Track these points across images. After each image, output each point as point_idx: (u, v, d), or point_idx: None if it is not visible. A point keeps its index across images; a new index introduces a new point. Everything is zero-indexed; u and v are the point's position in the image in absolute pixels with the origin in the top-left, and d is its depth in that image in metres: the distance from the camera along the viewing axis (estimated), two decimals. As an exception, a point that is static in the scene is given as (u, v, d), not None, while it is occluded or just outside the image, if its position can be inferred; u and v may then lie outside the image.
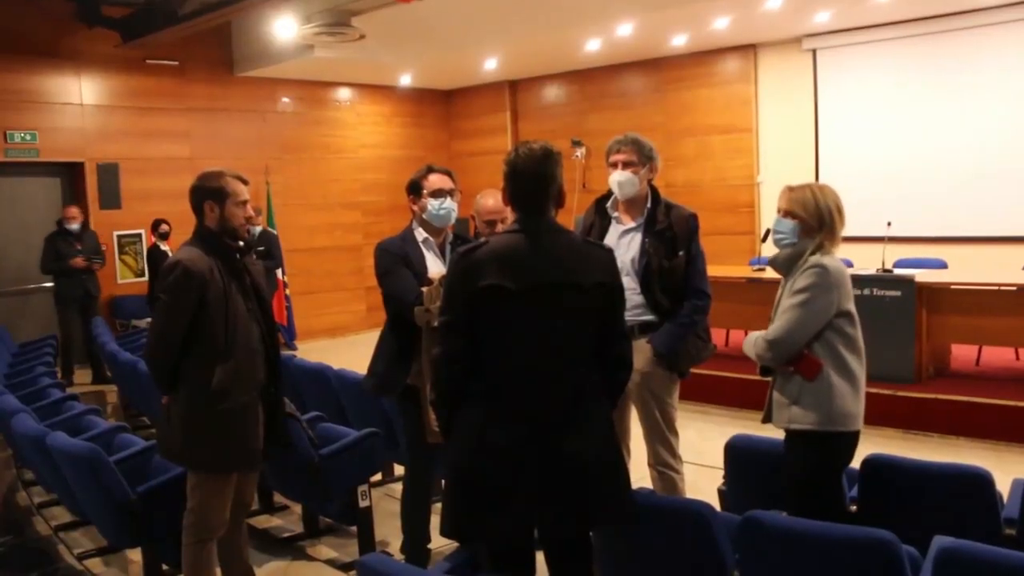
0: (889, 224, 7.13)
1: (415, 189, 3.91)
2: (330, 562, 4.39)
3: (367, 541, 4.37)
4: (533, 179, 2.68)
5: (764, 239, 7.42)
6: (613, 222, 3.92)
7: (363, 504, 4.34)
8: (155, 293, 3.30)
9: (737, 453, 3.61)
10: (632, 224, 3.89)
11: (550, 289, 2.57)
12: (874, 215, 8.45)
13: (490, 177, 12.71)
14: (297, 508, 4.98)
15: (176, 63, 10.24)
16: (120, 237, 9.92)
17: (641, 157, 3.86)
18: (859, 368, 3.20)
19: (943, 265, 7.66)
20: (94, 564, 4.40)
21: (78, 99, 9.61)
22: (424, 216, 3.88)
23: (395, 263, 3.74)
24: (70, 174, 9.78)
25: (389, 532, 4.60)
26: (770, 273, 7.23)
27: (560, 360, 2.62)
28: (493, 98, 12.80)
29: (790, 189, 3.27)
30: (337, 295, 11.72)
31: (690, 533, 2.77)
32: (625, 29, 9.15)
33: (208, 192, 3.33)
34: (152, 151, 10.12)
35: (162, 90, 10.20)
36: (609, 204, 3.95)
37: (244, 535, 3.66)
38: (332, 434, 4.42)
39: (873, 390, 6.23)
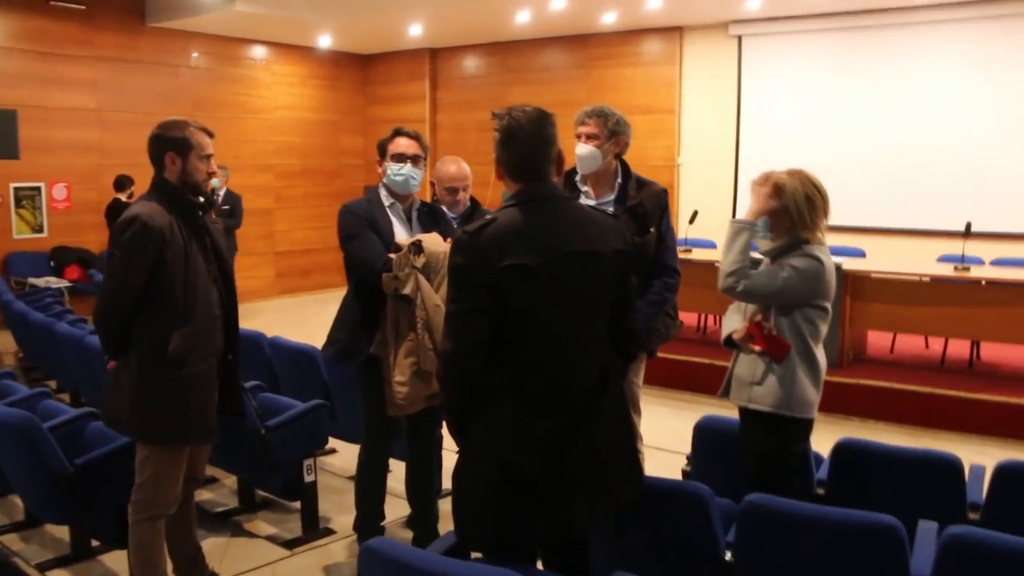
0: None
1: (381, 151, 3.73)
2: (271, 539, 4.18)
3: (311, 517, 4.21)
4: (533, 143, 2.47)
5: (691, 220, 7.53)
6: (582, 196, 3.83)
7: (308, 479, 4.17)
8: (110, 249, 3.03)
9: (706, 435, 3.60)
10: (601, 199, 3.80)
11: (571, 260, 2.40)
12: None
13: None
14: (229, 481, 4.76)
15: (83, 7, 9.63)
16: (17, 189, 9.29)
17: (605, 131, 3.75)
18: (822, 359, 3.23)
19: (862, 254, 7.88)
20: (10, 540, 4.09)
21: (-29, 38, 8.94)
22: (384, 180, 3.71)
23: (361, 227, 3.55)
24: (-39, 119, 9.10)
25: (327, 507, 4.44)
26: (696, 254, 7.37)
27: (586, 338, 2.47)
28: (412, 65, 12.54)
29: (755, 184, 3.26)
30: (245, 259, 11.24)
31: (687, 516, 2.73)
32: (558, 2, 9.05)
33: (170, 142, 3.08)
34: (55, 100, 9.51)
35: (67, 35, 9.57)
36: (578, 177, 3.85)
37: (193, 511, 3.44)
38: (274, 405, 4.22)
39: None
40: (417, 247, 3.48)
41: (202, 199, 3.14)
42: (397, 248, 3.50)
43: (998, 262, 7.42)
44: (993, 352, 7.14)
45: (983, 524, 3.11)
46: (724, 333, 3.37)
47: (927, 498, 3.21)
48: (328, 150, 12.48)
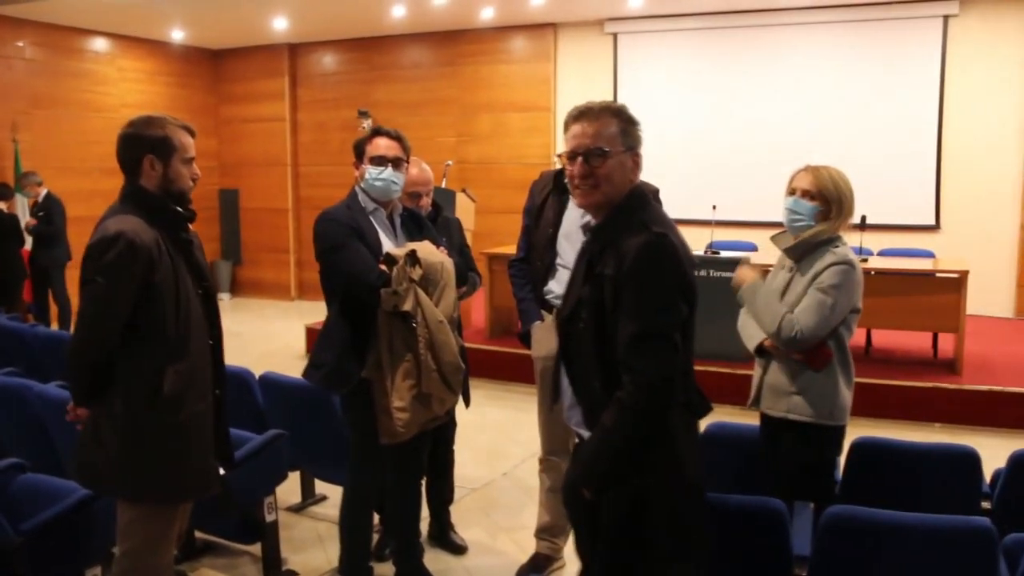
0: (714, 207, 7.39)
1: (358, 153, 3.36)
2: (228, 589, 3.74)
3: (273, 561, 3.77)
4: None
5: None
6: (571, 199, 3.59)
7: (270, 518, 3.74)
8: (85, 275, 2.52)
9: (716, 442, 3.46)
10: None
11: None
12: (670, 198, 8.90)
13: (264, 144, 11.98)
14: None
15: None
16: None
17: None
18: (852, 362, 3.19)
19: (754, 248, 8.05)
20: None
21: None
22: (362, 184, 3.35)
23: (347, 236, 3.17)
24: None
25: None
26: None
27: None
28: (269, 61, 11.85)
29: (814, 170, 3.14)
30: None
31: (759, 532, 2.61)
32: (441, -2, 8.76)
33: (150, 143, 2.60)
34: None
35: None
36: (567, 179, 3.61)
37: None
38: (224, 438, 3.75)
39: (712, 368, 6.50)
40: (413, 257, 3.15)
41: (187, 210, 2.69)
42: (388, 259, 3.16)
43: (885, 252, 7.76)
44: (884, 339, 7.44)
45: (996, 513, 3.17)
46: (751, 341, 3.24)
47: (944, 492, 3.21)
48: (178, 151, 11.59)
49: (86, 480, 2.64)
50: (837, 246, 3.08)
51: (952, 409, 6.15)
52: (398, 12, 9.51)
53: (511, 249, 7.99)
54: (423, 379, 3.15)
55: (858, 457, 3.28)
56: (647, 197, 2.32)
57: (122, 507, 2.62)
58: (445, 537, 4.12)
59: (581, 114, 2.31)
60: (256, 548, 3.87)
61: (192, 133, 2.70)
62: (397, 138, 3.36)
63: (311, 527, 4.39)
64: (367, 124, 11.17)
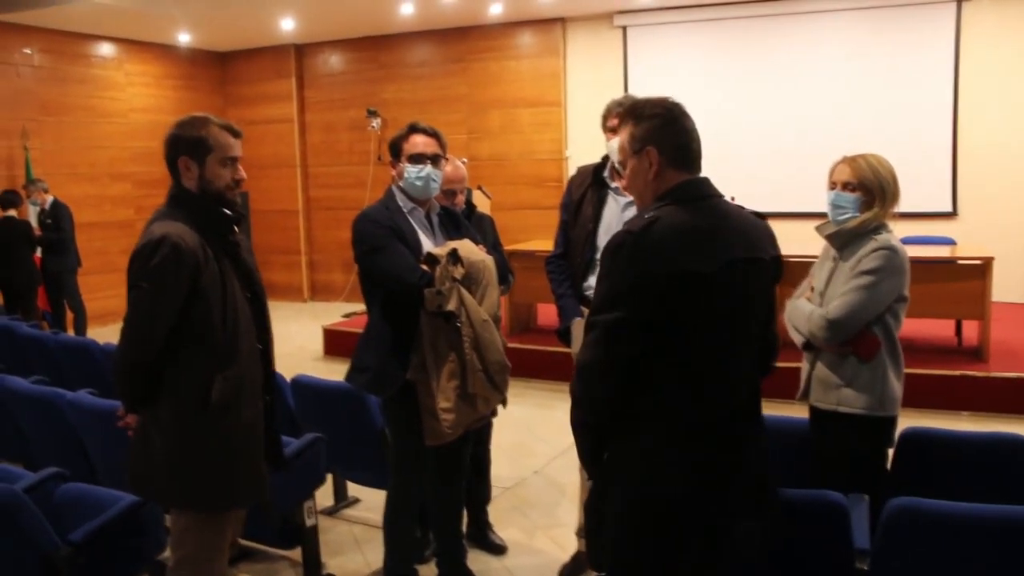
0: (733, 198, 7.31)
1: (395, 151, 3.32)
2: (269, 595, 3.70)
3: (314, 567, 3.73)
4: (693, 128, 2.24)
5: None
6: (611, 194, 3.56)
7: (310, 522, 3.69)
8: (131, 281, 2.48)
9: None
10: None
11: (741, 267, 2.13)
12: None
13: (273, 146, 11.93)
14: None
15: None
16: None
17: None
18: (901, 352, 3.13)
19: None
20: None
21: None
22: (401, 183, 3.30)
23: (387, 237, 3.13)
24: None
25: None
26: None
27: (745, 354, 2.22)
28: (276, 62, 11.80)
29: (851, 161, 3.08)
30: (107, 277, 10.19)
31: (820, 526, 2.55)
32: (452, -7, 8.72)
33: (186, 144, 2.58)
34: None
35: None
36: (607, 173, 3.58)
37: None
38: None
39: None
40: (455, 256, 3.11)
41: (230, 211, 2.65)
42: (430, 259, 3.11)
43: (906, 240, 7.67)
44: (906, 327, 7.35)
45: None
46: (796, 335, 3.19)
47: (995, 483, 3.16)
48: (187, 155, 11.56)
49: (138, 488, 2.61)
50: (880, 233, 3.02)
51: (981, 397, 6.10)
52: (406, 10, 9.46)
53: (526, 245, 8.05)
54: (468, 379, 3.11)
55: (908, 448, 3.24)
56: (677, 196, 2.17)
57: (175, 515, 2.59)
58: (484, 537, 4.07)
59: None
60: (293, 553, 3.85)
61: (235, 133, 2.67)
62: (434, 134, 3.32)
63: (346, 530, 4.35)
64: (376, 123, 11.15)
